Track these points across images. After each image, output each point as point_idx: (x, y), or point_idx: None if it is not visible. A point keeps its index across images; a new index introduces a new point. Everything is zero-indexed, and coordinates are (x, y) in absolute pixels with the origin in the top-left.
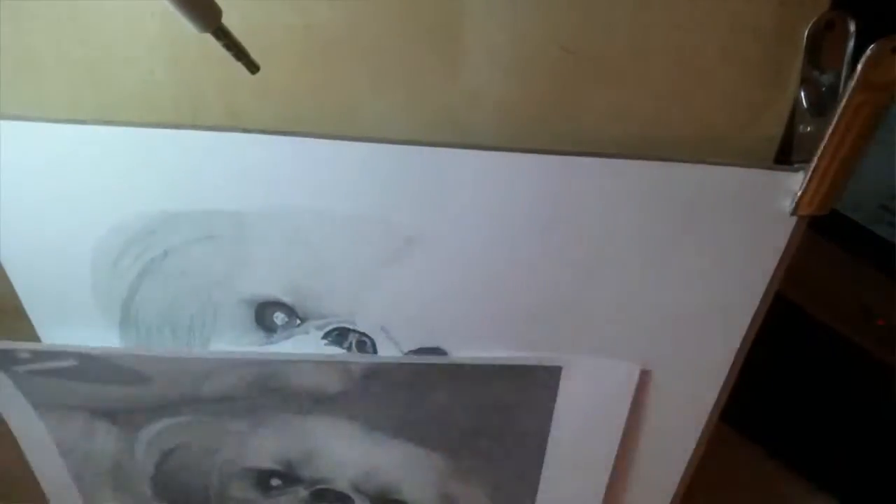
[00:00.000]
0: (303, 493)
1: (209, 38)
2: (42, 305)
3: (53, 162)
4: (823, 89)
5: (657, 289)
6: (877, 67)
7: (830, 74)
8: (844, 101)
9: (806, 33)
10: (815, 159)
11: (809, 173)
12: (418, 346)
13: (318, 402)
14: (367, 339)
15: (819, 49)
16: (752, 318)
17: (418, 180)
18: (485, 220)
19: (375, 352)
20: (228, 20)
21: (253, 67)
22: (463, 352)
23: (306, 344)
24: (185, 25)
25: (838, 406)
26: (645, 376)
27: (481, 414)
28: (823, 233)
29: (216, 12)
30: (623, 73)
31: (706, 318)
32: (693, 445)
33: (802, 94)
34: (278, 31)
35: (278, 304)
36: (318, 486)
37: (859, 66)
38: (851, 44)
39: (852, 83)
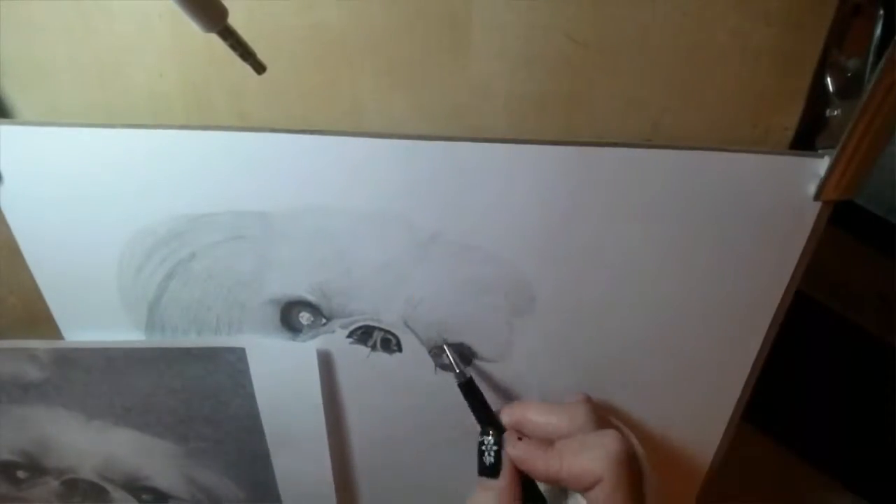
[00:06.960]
0: (53, 483)
1: (216, 39)
2: (68, 309)
3: (79, 167)
4: (849, 74)
5: (679, 280)
6: None
7: (857, 60)
8: (871, 86)
9: (832, 18)
10: (841, 143)
11: (835, 157)
12: (444, 343)
13: (25, 391)
14: (391, 337)
15: (845, 34)
16: (777, 310)
17: (435, 176)
18: (503, 214)
19: (400, 349)
20: (234, 20)
21: (259, 68)
22: (487, 349)
23: (332, 343)
24: (191, 26)
25: (857, 398)
26: (669, 374)
27: (190, 398)
28: (840, 224)
29: (222, 12)
30: (634, 62)
31: (730, 310)
32: (716, 445)
33: (829, 79)
34: (285, 31)
35: (304, 304)
36: (67, 476)
37: (887, 52)
38: (879, 29)
39: (880, 68)
